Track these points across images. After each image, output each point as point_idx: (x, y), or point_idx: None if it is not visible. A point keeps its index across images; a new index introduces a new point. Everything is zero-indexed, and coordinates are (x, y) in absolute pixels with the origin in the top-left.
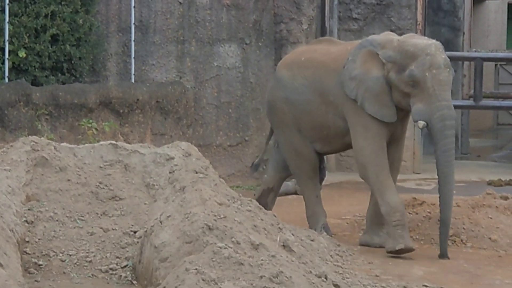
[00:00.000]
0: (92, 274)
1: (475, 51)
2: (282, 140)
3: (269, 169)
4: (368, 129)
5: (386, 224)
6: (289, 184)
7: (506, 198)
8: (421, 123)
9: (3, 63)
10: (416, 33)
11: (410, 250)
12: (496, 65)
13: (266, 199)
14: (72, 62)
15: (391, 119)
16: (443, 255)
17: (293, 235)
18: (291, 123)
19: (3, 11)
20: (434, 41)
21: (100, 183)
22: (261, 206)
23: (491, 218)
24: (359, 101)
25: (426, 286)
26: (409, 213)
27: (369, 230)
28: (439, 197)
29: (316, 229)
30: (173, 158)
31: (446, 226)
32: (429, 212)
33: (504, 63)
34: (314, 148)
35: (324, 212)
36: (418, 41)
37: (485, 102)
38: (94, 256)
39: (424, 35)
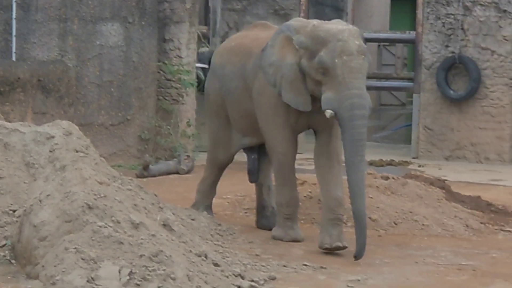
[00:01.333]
0: None
1: None
2: (211, 131)
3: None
4: (276, 117)
5: (277, 213)
6: (170, 164)
7: (386, 178)
8: (329, 112)
9: None
10: (300, 13)
11: (298, 241)
12: (379, 45)
13: (262, 196)
14: None
15: (306, 108)
16: (359, 254)
17: (173, 214)
18: (223, 116)
19: None
20: (350, 26)
21: None
22: (142, 185)
23: (371, 198)
24: (277, 89)
25: (306, 265)
26: None
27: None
28: (348, 189)
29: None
30: (53, 137)
31: (361, 220)
32: (310, 192)
33: (387, 44)
34: (242, 145)
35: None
36: (332, 26)
37: (367, 82)
38: None
39: (308, 15)
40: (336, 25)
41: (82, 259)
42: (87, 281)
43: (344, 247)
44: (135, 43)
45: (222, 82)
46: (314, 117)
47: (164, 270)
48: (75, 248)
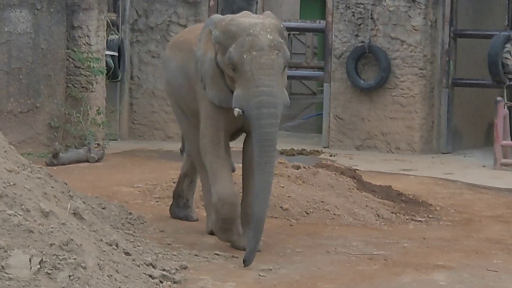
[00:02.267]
0: None
1: None
2: (181, 128)
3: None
4: (208, 115)
5: (215, 213)
6: (80, 152)
7: (298, 168)
8: (236, 111)
9: None
10: (209, 2)
11: (236, 247)
12: (289, 34)
13: (182, 186)
14: None
15: (229, 105)
16: (248, 259)
17: (83, 203)
18: (177, 107)
19: None
20: (267, 20)
21: None
22: (52, 174)
23: (282, 187)
24: (203, 85)
25: (217, 254)
26: None
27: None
28: (254, 190)
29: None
30: None
31: (258, 223)
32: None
33: (297, 32)
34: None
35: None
36: (244, 20)
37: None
38: None
39: (217, 3)
40: (249, 19)
41: None
42: None
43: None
44: (43, 30)
45: (169, 76)
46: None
47: (75, 259)
48: None
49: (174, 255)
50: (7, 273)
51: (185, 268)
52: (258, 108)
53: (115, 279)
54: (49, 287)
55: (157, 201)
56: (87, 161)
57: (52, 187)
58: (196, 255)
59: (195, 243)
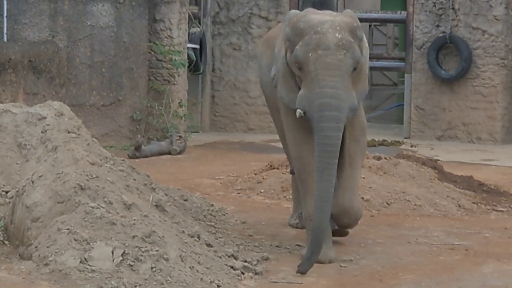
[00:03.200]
0: None
1: None
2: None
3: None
4: (287, 118)
5: (306, 228)
6: (162, 144)
7: (379, 158)
8: (298, 112)
9: None
10: None
11: (326, 262)
12: (370, 26)
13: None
14: None
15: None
16: (303, 269)
17: (166, 195)
18: (270, 107)
19: None
20: (338, 17)
21: None
22: (134, 166)
23: (364, 178)
24: (274, 82)
25: (299, 245)
26: (283, 173)
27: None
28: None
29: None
30: (45, 118)
31: (315, 235)
32: None
33: (378, 24)
34: None
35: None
36: (314, 16)
37: None
38: None
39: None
40: (320, 16)
41: (75, 240)
42: (80, 262)
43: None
44: (125, 23)
45: (260, 75)
46: None
47: (157, 250)
48: (67, 229)
49: (256, 246)
50: (90, 265)
51: (267, 259)
52: (320, 110)
53: (197, 271)
54: (132, 279)
55: (238, 193)
56: (169, 153)
57: (135, 180)
58: (277, 246)
59: (276, 234)
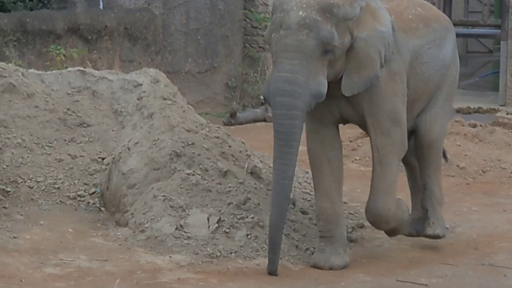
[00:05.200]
0: (60, 201)
1: None
2: None
3: None
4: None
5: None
6: (257, 111)
7: (474, 126)
8: (261, 98)
9: None
10: None
11: (326, 268)
12: None
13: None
14: None
15: None
16: (269, 271)
17: (261, 162)
18: None
19: None
20: None
21: (68, 109)
22: (229, 133)
23: (459, 145)
24: None
25: None
26: None
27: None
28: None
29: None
30: (141, 85)
31: (269, 234)
32: None
33: None
34: None
35: None
36: None
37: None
38: (62, 182)
39: None
40: None
41: (171, 206)
42: (176, 228)
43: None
44: None
45: None
46: (342, 106)
47: (252, 217)
48: (163, 195)
49: (351, 213)
50: (185, 232)
51: (362, 227)
52: (274, 96)
53: (292, 238)
54: (227, 245)
55: None
56: (264, 120)
57: (230, 147)
58: None
59: None
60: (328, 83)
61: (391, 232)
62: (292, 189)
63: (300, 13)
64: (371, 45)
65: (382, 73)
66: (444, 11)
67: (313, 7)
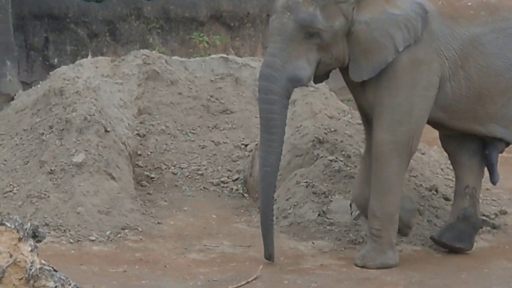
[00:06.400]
0: (203, 187)
1: None
2: None
3: None
4: None
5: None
6: None
7: None
8: None
9: None
10: None
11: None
12: None
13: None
14: None
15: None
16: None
17: None
18: None
19: None
20: None
21: (211, 96)
22: None
23: None
24: None
25: None
26: None
27: None
28: None
29: None
30: None
31: (260, 219)
32: None
33: None
34: None
35: None
36: None
37: None
38: (206, 169)
39: None
40: None
41: (314, 193)
42: (319, 214)
43: (364, 267)
44: None
45: None
46: (362, 94)
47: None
48: (306, 182)
49: (494, 200)
50: (328, 218)
51: (505, 213)
52: (258, 80)
53: (435, 224)
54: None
55: None
56: None
57: None
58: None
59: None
60: (343, 70)
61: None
62: (435, 175)
63: None
64: (376, 28)
65: (402, 59)
66: None
67: None
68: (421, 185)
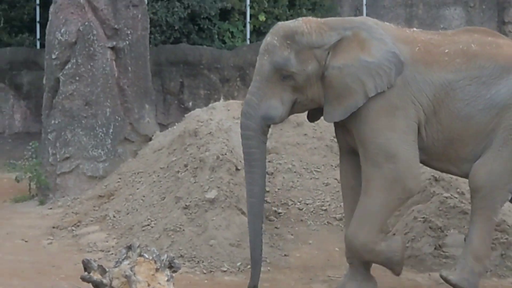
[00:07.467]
0: (327, 222)
1: None
2: None
3: None
4: None
5: None
6: None
7: None
8: None
9: (244, 26)
10: None
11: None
12: None
13: None
14: None
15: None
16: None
17: None
18: None
19: None
20: (290, 21)
21: (334, 137)
22: None
23: None
24: None
25: None
26: None
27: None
28: None
29: None
30: None
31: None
32: None
33: None
34: None
35: None
36: None
37: None
38: (329, 205)
39: None
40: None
41: (430, 227)
42: (435, 248)
43: None
44: (474, 25)
45: None
46: (345, 133)
47: (506, 238)
48: (423, 217)
49: None
50: (444, 251)
51: None
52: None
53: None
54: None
55: None
56: None
57: None
58: None
59: None
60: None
61: (385, 265)
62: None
63: (268, 38)
64: (348, 74)
65: (377, 104)
66: None
67: (278, 33)
68: None
